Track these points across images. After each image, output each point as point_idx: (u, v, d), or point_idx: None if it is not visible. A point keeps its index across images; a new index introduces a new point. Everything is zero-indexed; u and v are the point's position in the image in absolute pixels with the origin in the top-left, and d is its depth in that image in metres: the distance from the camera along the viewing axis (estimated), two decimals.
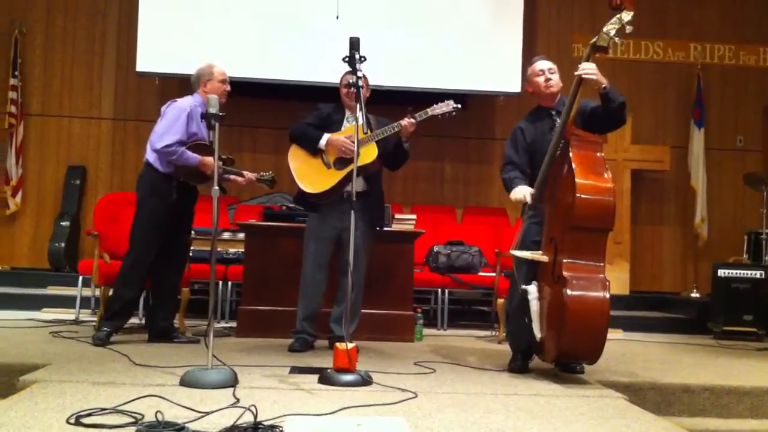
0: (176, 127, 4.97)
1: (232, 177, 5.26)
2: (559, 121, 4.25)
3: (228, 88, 5.24)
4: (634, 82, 9.08)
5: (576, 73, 4.10)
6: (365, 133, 4.44)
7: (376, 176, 5.07)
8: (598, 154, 4.14)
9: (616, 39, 4.03)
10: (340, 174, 4.83)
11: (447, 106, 4.84)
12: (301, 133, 5.01)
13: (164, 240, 5.09)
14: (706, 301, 7.76)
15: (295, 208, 5.69)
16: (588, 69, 4.07)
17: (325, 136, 4.88)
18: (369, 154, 4.81)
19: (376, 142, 4.82)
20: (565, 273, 3.98)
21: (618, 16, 4.01)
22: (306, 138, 4.96)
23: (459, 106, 4.87)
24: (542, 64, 4.53)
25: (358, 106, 4.24)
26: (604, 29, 4.02)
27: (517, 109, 8.49)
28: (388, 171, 5.29)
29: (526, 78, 4.66)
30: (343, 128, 4.98)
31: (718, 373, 4.75)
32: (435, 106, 4.83)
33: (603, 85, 4.13)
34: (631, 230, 8.69)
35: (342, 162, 4.84)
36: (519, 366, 4.45)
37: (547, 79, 4.46)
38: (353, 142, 4.36)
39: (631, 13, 3.99)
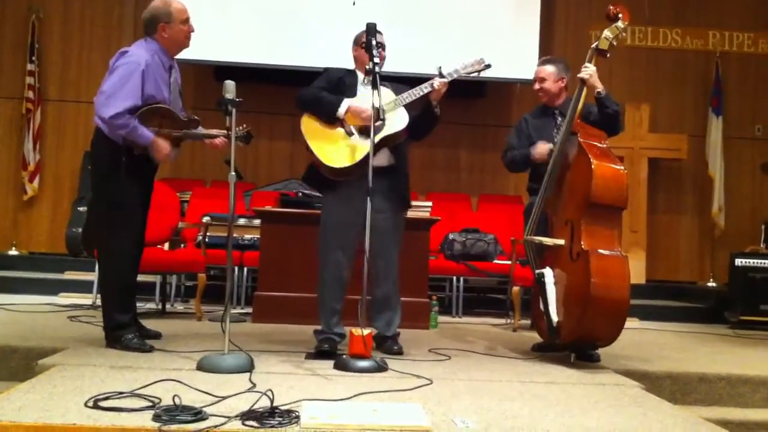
0: (127, 89, 3.99)
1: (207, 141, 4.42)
2: (560, 119, 4.59)
3: (192, 28, 4.32)
4: (652, 70, 9.02)
5: (577, 75, 4.44)
6: (381, 117, 4.03)
7: (403, 147, 4.44)
8: (604, 144, 4.38)
9: (614, 43, 4.42)
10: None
11: (478, 64, 4.34)
12: (314, 99, 4.33)
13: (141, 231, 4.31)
14: (723, 290, 7.74)
15: (312, 195, 5.68)
16: (586, 70, 4.39)
17: (345, 102, 4.25)
18: (398, 120, 4.23)
19: (404, 107, 4.26)
20: (585, 247, 4.12)
21: (615, 24, 4.43)
22: (321, 104, 4.29)
23: (490, 64, 4.35)
24: (535, 71, 4.86)
25: (374, 92, 3.98)
26: (603, 35, 4.41)
27: (534, 96, 8.44)
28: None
29: None
30: (358, 93, 4.38)
31: (735, 363, 4.74)
32: (465, 63, 4.34)
33: (598, 90, 4.40)
34: (647, 219, 8.64)
35: (367, 131, 4.13)
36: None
37: (537, 90, 4.82)
38: (378, 109, 4.02)
39: (626, 22, 4.45)
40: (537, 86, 4.82)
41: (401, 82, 4.47)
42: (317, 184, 4.45)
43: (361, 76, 4.46)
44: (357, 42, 4.50)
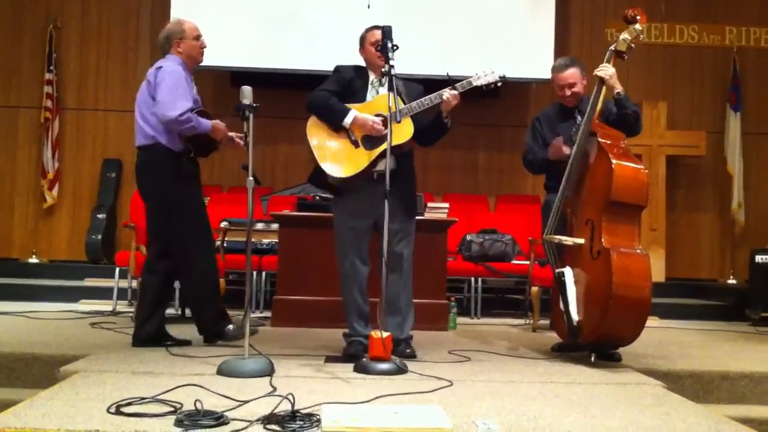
0: (182, 92, 4.30)
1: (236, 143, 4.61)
2: (579, 118, 4.52)
3: (204, 44, 4.58)
4: (669, 67, 8.97)
5: (594, 72, 4.44)
6: (397, 120, 3.98)
7: (409, 154, 4.41)
8: (623, 144, 4.38)
9: (632, 45, 4.46)
10: (371, 155, 4.21)
11: (492, 76, 4.34)
12: (323, 106, 4.30)
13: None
14: (744, 287, 7.66)
15: (328, 198, 5.68)
16: (604, 69, 4.41)
17: (351, 114, 4.22)
18: (403, 131, 4.17)
19: (412, 116, 4.22)
20: (606, 245, 4.14)
21: (633, 26, 4.48)
22: (329, 112, 4.28)
23: (505, 75, 4.38)
24: (563, 77, 4.72)
25: (390, 95, 3.95)
26: (621, 37, 4.47)
27: (551, 96, 8.40)
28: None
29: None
30: (369, 97, 4.36)
31: (757, 360, 4.70)
32: (478, 74, 4.35)
33: (617, 91, 4.41)
34: (666, 217, 8.58)
35: (370, 140, 4.22)
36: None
37: (566, 96, 4.73)
38: (383, 121, 4.06)
39: (644, 24, 4.52)
40: (567, 92, 4.70)
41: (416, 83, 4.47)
42: (322, 186, 4.51)
43: (372, 76, 4.43)
44: (364, 42, 4.46)
